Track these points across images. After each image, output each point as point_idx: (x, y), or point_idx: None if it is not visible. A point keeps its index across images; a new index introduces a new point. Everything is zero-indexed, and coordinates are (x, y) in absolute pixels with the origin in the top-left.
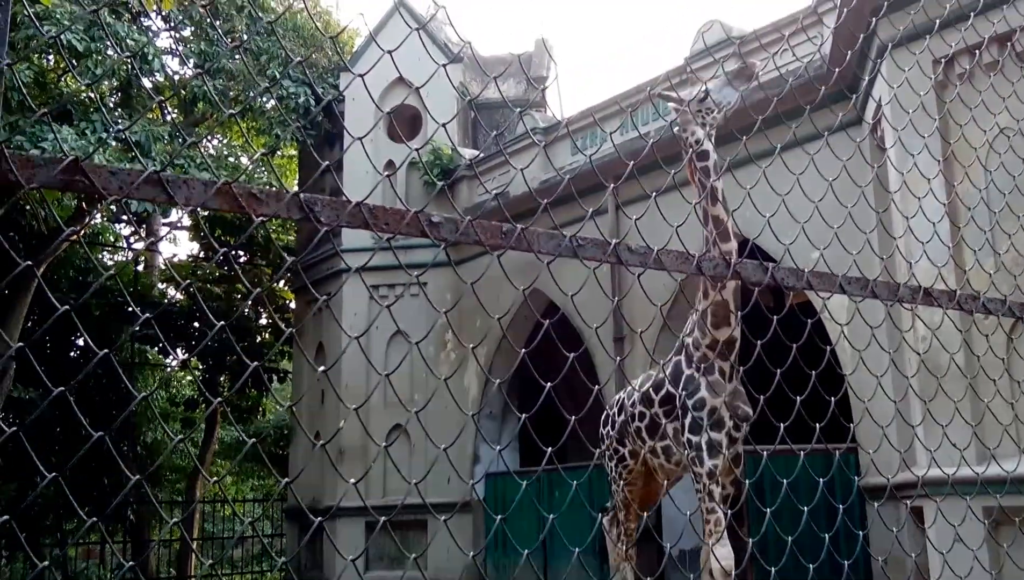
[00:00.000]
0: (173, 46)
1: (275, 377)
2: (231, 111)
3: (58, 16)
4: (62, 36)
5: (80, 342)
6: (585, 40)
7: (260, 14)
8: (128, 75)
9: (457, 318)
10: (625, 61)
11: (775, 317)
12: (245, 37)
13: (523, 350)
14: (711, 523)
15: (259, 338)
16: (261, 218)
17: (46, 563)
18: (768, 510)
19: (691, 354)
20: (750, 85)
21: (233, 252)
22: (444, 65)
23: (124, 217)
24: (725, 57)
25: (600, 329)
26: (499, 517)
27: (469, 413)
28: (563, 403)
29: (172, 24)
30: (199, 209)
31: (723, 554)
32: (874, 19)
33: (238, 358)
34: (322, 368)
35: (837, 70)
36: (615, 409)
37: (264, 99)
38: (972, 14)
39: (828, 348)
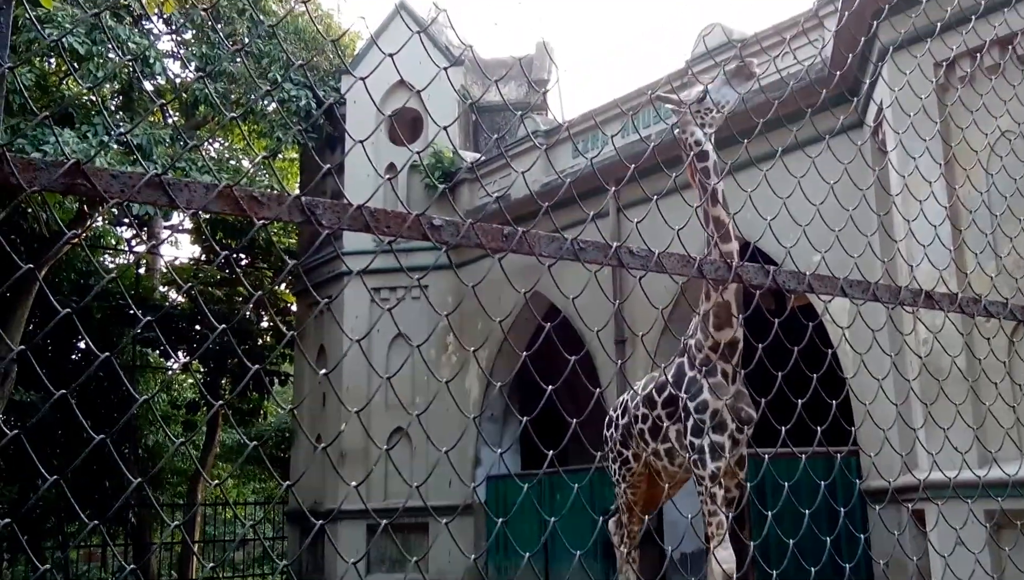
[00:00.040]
0: (174, 49)
1: (276, 380)
2: (232, 114)
3: (60, 19)
4: (64, 39)
5: (81, 345)
6: (584, 37)
7: (261, 17)
8: (129, 78)
9: (458, 321)
10: (624, 58)
11: (776, 320)
12: (246, 40)
13: (524, 353)
14: (713, 526)
15: (260, 341)
16: (262, 221)
17: (48, 566)
18: (769, 513)
19: (693, 356)
20: (749, 84)
21: (234, 255)
22: (445, 68)
23: (125, 220)
24: (726, 60)
25: (601, 332)
26: (500, 520)
27: (470, 416)
28: (564, 406)
29: (173, 27)
30: (200, 212)
31: (724, 556)
32: (875, 22)
33: (239, 361)
34: (323, 371)
35: (838, 73)
36: (618, 411)
37: (265, 102)
38: (973, 17)
39: (829, 351)
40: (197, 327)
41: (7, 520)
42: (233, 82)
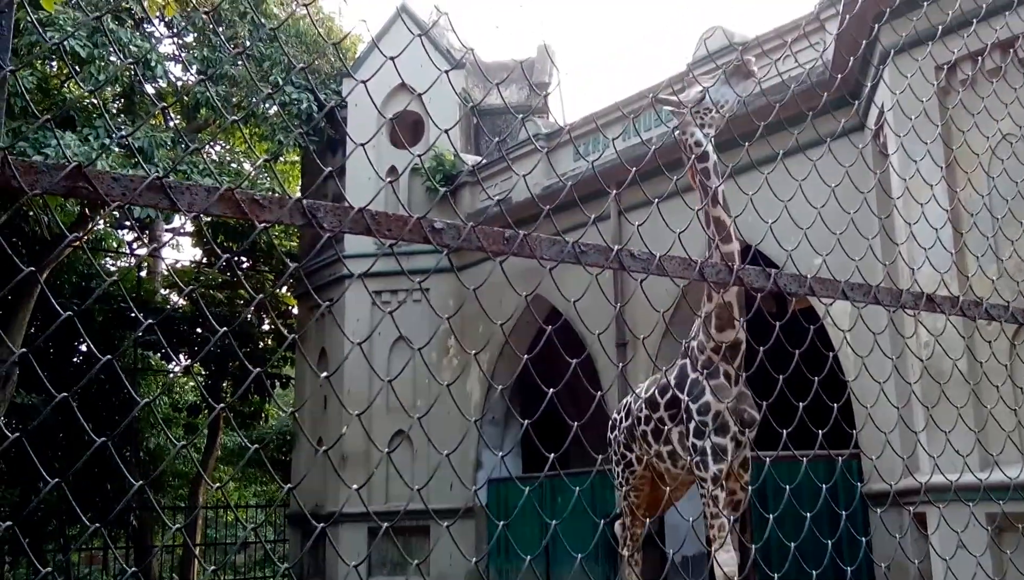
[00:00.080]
0: (176, 52)
1: (277, 383)
2: (234, 117)
3: (61, 22)
4: (65, 42)
5: (83, 348)
6: (585, 40)
7: (263, 20)
8: (131, 81)
9: (459, 324)
10: (625, 61)
11: (778, 323)
12: (248, 43)
13: (526, 356)
14: (715, 528)
15: (261, 344)
16: (264, 224)
17: (49, 569)
18: (771, 516)
19: (696, 358)
20: (748, 82)
21: (236, 258)
22: (446, 71)
23: (127, 223)
24: (727, 63)
25: (603, 335)
26: (502, 523)
27: (471, 419)
28: (565, 409)
29: (175, 30)
30: (202, 215)
31: (726, 560)
32: (876, 25)
33: (240, 364)
34: (325, 374)
35: (839, 76)
36: (622, 414)
37: (267, 105)
38: (975, 20)
39: (831, 354)
40: (198, 330)
41: (9, 523)
42: (234, 85)
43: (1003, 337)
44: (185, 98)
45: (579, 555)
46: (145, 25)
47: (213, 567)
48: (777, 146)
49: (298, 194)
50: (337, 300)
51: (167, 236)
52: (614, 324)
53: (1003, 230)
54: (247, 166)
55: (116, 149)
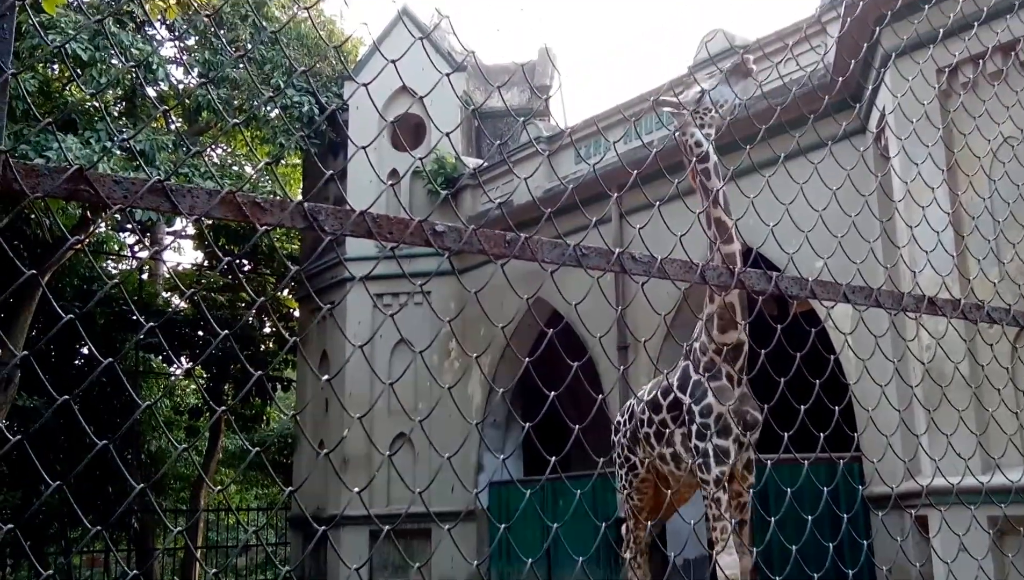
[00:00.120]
0: (177, 55)
1: (279, 386)
2: (235, 120)
3: (63, 25)
4: (67, 45)
5: (84, 351)
6: (584, 37)
7: (264, 23)
8: (132, 84)
9: (461, 327)
10: (624, 58)
11: (779, 326)
12: (249, 46)
13: (527, 359)
14: (717, 531)
15: (263, 347)
16: (265, 227)
17: (51, 572)
18: (772, 519)
19: (698, 359)
20: (747, 81)
21: (237, 261)
22: (448, 74)
23: (128, 226)
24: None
25: (604, 338)
26: (503, 526)
27: (473, 422)
28: (567, 412)
29: (176, 33)
30: (203, 218)
31: (728, 563)
32: (878, 28)
33: (242, 367)
34: (326, 377)
35: (841, 79)
36: (626, 416)
37: (268, 108)
38: (976, 23)
39: (832, 357)
40: (200, 333)
41: (10, 526)
42: (236, 88)
43: (1005, 340)
44: (187, 101)
45: (580, 558)
46: (147, 28)
47: (214, 570)
48: (778, 149)
49: (299, 197)
50: (338, 303)
51: (168, 239)
52: (615, 327)
53: (1004, 233)
54: (248, 169)
55: (118, 152)
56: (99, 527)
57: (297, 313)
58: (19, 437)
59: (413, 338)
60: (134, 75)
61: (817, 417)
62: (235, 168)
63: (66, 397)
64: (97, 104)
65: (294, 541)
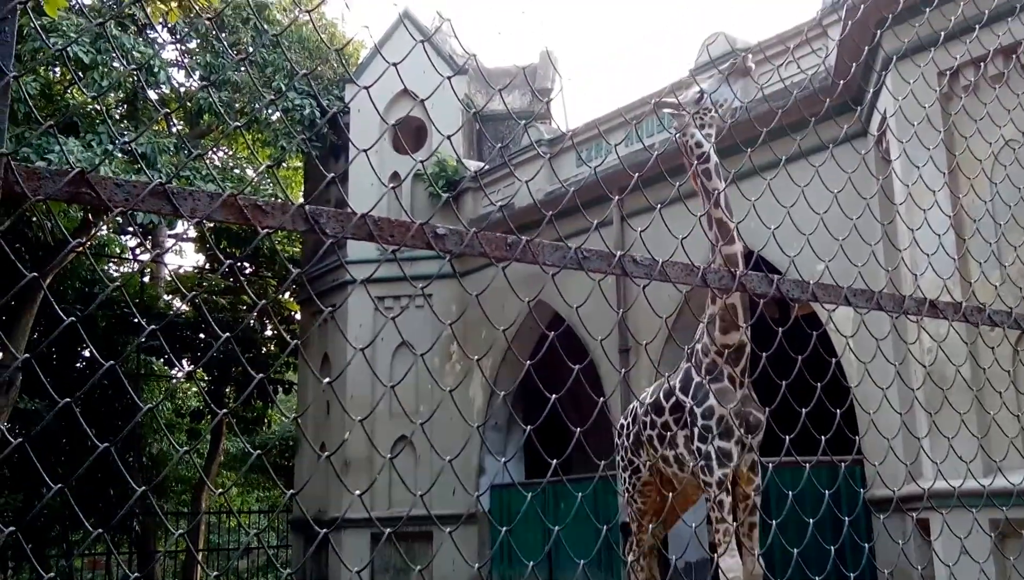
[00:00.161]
0: (179, 58)
1: (280, 388)
2: (236, 123)
3: (64, 28)
4: (68, 48)
5: (86, 353)
6: (586, 40)
7: (266, 26)
8: (134, 87)
9: (462, 330)
10: (626, 61)
11: (780, 329)
12: (251, 49)
13: (528, 362)
14: (720, 533)
15: (264, 349)
16: (266, 230)
17: (52, 574)
18: (774, 522)
19: (700, 361)
20: (746, 80)
21: (238, 264)
22: (449, 77)
23: (130, 229)
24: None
25: (605, 341)
26: (504, 529)
27: (474, 425)
28: (568, 415)
29: (178, 36)
30: (204, 221)
31: (730, 565)
32: (879, 31)
33: (243, 369)
34: (327, 379)
35: (842, 82)
36: (628, 419)
37: (269, 111)
38: (977, 26)
39: (833, 360)
40: (201, 335)
41: (12, 528)
42: (237, 91)
43: (1006, 343)
44: (188, 104)
45: (582, 561)
46: (148, 31)
47: (216, 573)
48: (779, 152)
49: (301, 200)
50: (340, 306)
51: (170, 242)
52: (617, 330)
53: (1006, 236)
54: (250, 172)
55: (119, 155)
56: (101, 530)
57: (298, 316)
58: (20, 440)
59: (414, 341)
60: (135, 78)
61: (818, 420)
62: (236, 171)
63: (67, 400)
64: (99, 107)
65: (295, 544)
